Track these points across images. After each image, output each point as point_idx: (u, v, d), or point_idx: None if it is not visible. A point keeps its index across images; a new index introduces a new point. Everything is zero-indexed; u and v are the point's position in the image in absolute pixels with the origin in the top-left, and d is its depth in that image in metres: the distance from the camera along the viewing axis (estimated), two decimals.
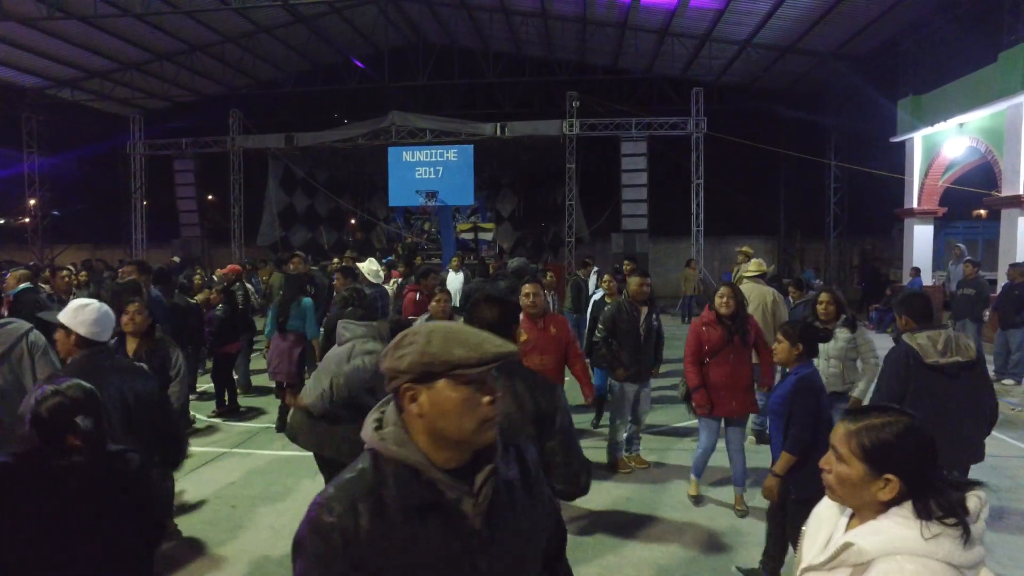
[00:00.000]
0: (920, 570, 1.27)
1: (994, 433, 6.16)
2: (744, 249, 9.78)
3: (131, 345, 3.97)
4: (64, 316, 2.86)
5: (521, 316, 4.02)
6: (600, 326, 5.31)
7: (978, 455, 3.53)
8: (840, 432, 1.44)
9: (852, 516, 1.47)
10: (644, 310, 5.14)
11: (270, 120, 19.46)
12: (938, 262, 14.48)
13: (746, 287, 6.02)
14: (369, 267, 6.99)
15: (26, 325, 3.54)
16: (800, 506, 3.17)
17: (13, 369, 3.37)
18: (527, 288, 4.38)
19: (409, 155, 16.29)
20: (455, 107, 19.75)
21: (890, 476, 1.36)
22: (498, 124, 16.67)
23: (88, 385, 2.11)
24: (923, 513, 1.32)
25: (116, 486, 2.04)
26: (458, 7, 16.83)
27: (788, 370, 3.50)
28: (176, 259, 17.25)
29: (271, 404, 7.51)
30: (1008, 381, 8.27)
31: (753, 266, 6.29)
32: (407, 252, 18.08)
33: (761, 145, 16.10)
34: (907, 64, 13.94)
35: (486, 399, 1.20)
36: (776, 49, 15.94)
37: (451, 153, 16.10)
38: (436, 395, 1.18)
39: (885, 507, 1.37)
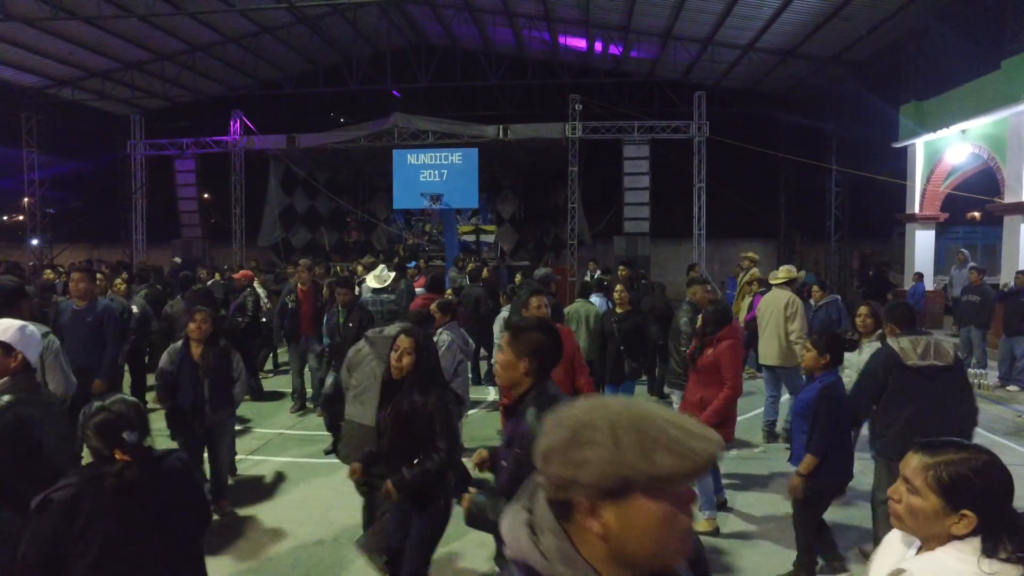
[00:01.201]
0: None
1: (1004, 441, 6.26)
2: (749, 255, 9.85)
3: (196, 349, 4.33)
4: (8, 336, 2.61)
5: None
6: (684, 343, 4.99)
7: None
8: (914, 464, 1.42)
9: (921, 546, 1.47)
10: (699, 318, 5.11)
11: (271, 120, 19.43)
12: (939, 267, 14.57)
13: (770, 293, 6.04)
14: (381, 274, 6.90)
15: (42, 328, 3.51)
16: (816, 497, 3.55)
17: None
18: (535, 300, 4.34)
19: (414, 158, 16.28)
20: (456, 109, 19.77)
21: (967, 512, 1.35)
22: (500, 126, 16.68)
23: (132, 399, 2.18)
24: (991, 551, 1.31)
25: (171, 487, 2.14)
26: (461, 9, 16.85)
27: (813, 377, 3.69)
28: (177, 260, 17.22)
29: (282, 409, 7.54)
30: (1012, 387, 8.34)
31: (782, 272, 6.21)
32: (407, 253, 18.11)
33: (762, 149, 16.20)
34: (909, 70, 14.03)
35: (687, 507, 0.92)
36: (778, 53, 16.02)
37: (456, 156, 16.09)
38: (630, 512, 0.88)
39: (952, 540, 1.37)
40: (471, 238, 17.87)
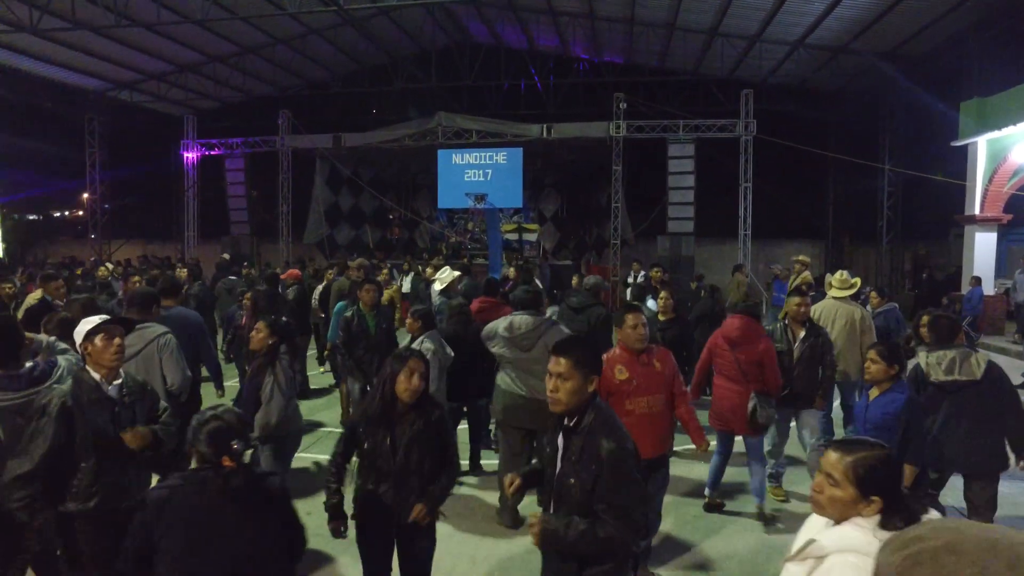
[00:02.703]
0: (860, 564, 1.54)
1: None
2: (801, 258, 9.65)
3: (256, 361, 4.10)
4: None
5: (618, 351, 3.75)
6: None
7: (993, 463, 3.85)
8: (833, 460, 1.70)
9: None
10: (801, 331, 4.79)
11: (318, 119, 19.82)
12: (1000, 270, 13.96)
13: (829, 304, 5.81)
14: (441, 275, 6.88)
15: (161, 328, 4.00)
16: None
17: (145, 365, 3.88)
18: (631, 319, 3.73)
19: (458, 157, 16.38)
20: (500, 108, 19.83)
21: (875, 497, 1.66)
22: (544, 125, 16.67)
23: (239, 410, 2.31)
24: (887, 525, 1.62)
25: (264, 502, 2.24)
26: (504, 8, 16.88)
27: (878, 388, 3.64)
28: (226, 256, 17.72)
29: (331, 406, 7.70)
30: None
31: (837, 280, 5.88)
32: (450, 252, 18.26)
33: (811, 148, 15.79)
34: (971, 65, 13.46)
35: None
36: (829, 49, 15.58)
37: (500, 156, 16.13)
38: None
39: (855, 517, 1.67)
40: (513, 236, 17.92)
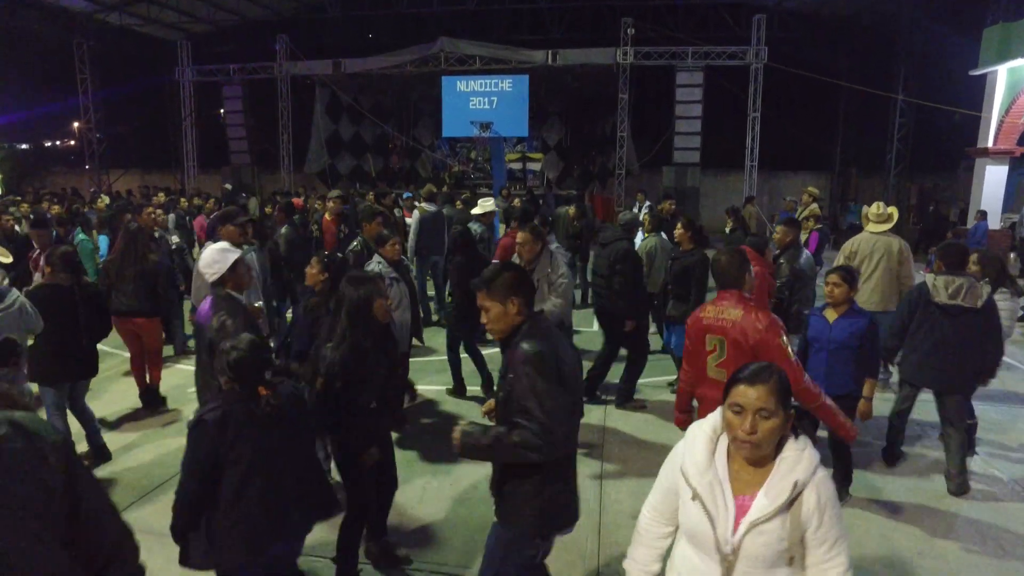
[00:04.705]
0: (824, 471, 1.66)
1: None
2: (810, 189, 9.60)
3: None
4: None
5: (755, 303, 3.23)
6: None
7: (968, 383, 4.19)
8: (759, 394, 1.60)
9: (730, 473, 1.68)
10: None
11: (316, 45, 19.13)
12: (1008, 204, 13.87)
13: (865, 238, 5.70)
14: (484, 203, 7.27)
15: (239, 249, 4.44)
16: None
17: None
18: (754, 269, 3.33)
19: (464, 85, 15.94)
20: (502, 32, 19.12)
21: (791, 410, 1.66)
22: (549, 52, 16.16)
23: (252, 336, 2.51)
24: (796, 432, 1.67)
25: (299, 413, 2.51)
26: None
27: (831, 309, 3.93)
28: (228, 186, 17.54)
29: None
30: None
31: (873, 214, 5.70)
32: (453, 180, 18.07)
33: (823, 77, 15.36)
34: None
35: None
36: None
37: (506, 83, 15.70)
38: None
39: (780, 445, 1.66)
40: (517, 166, 17.68)
